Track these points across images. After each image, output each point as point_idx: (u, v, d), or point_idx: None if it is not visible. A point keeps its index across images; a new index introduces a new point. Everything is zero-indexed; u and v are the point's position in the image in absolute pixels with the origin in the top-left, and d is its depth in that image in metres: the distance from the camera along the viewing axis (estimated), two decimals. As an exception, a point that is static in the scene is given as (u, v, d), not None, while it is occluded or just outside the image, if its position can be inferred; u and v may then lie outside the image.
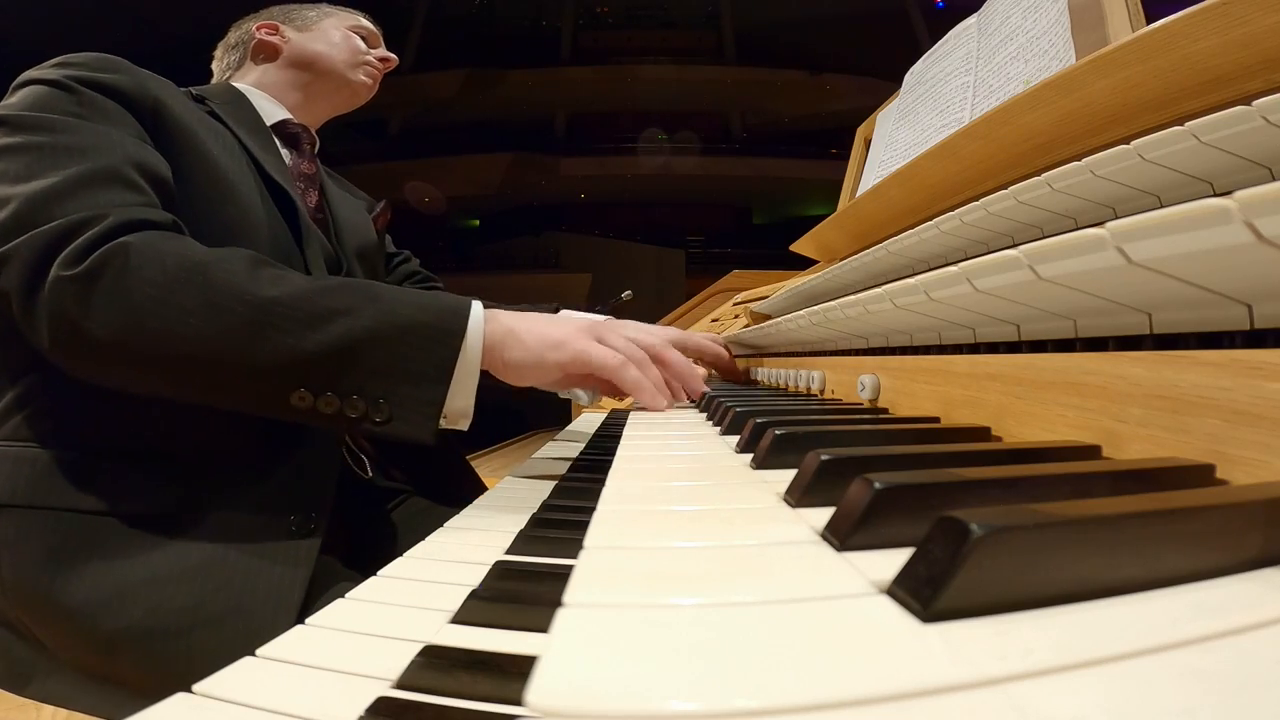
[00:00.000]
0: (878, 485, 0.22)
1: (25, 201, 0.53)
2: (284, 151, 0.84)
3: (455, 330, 0.53)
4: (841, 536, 0.23)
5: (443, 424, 0.54)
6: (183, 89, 0.75)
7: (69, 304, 0.51)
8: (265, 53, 0.89)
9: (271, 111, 0.85)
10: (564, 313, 0.89)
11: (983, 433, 0.41)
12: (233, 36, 0.92)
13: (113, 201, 0.55)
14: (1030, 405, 0.37)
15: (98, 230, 0.52)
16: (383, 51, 0.95)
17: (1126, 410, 0.30)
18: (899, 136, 1.10)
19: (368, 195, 1.04)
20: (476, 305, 0.56)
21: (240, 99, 0.82)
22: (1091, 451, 0.31)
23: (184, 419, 0.60)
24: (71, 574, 0.54)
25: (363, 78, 0.93)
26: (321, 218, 0.86)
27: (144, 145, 0.63)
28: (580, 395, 0.77)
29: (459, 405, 0.54)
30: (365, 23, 0.96)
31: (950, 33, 1.05)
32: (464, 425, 0.56)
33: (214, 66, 0.94)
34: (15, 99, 0.62)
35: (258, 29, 0.89)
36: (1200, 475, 0.25)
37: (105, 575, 0.54)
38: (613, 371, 0.59)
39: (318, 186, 0.88)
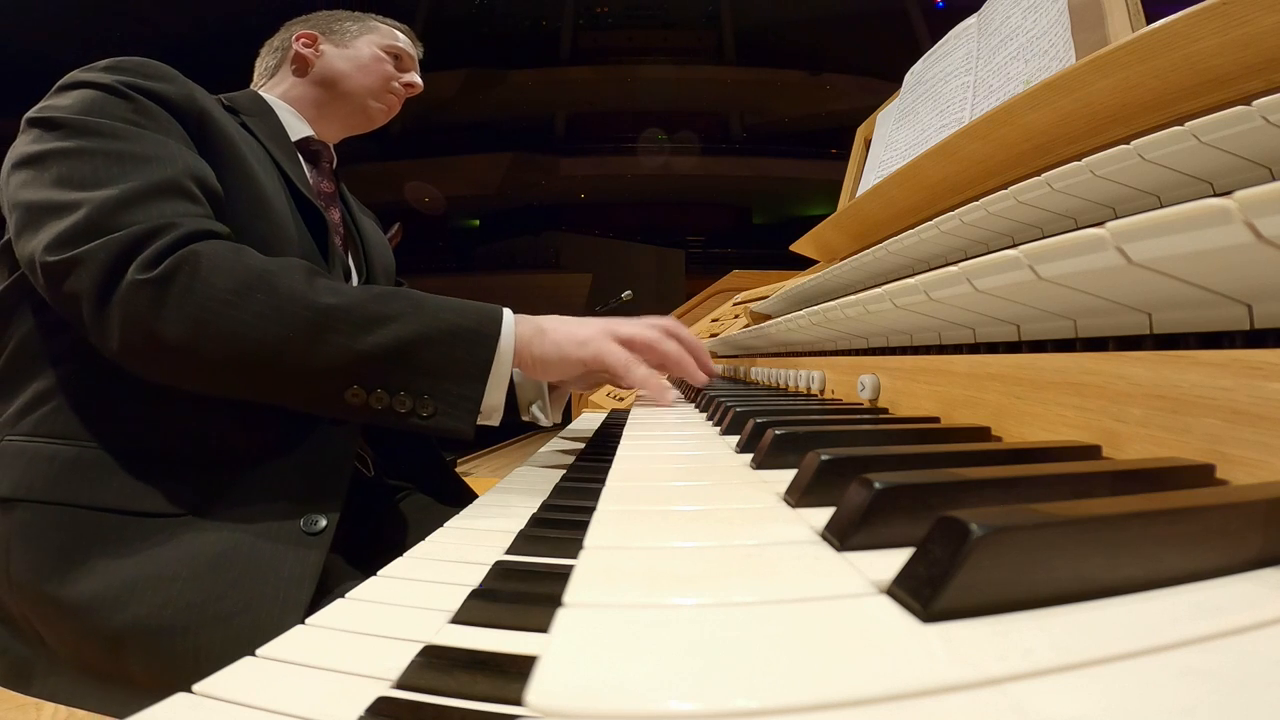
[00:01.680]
0: (878, 485, 0.22)
1: (96, 208, 0.56)
2: (306, 168, 0.85)
3: (492, 333, 0.59)
4: (841, 536, 0.23)
5: (479, 419, 0.58)
6: (215, 97, 0.76)
7: (143, 307, 0.54)
8: (298, 65, 0.90)
9: (296, 127, 0.87)
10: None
11: (983, 433, 0.41)
12: (278, 38, 0.93)
13: (178, 211, 0.59)
14: (1030, 405, 0.37)
15: (170, 238, 0.55)
16: (410, 77, 0.95)
17: (1126, 410, 0.30)
18: (899, 137, 1.10)
19: (372, 211, 1.06)
20: (507, 311, 0.62)
21: (269, 112, 0.83)
22: (1091, 451, 0.31)
23: (204, 420, 0.62)
24: (81, 570, 0.55)
25: (380, 105, 0.93)
26: (344, 232, 0.89)
27: (197, 157, 0.66)
28: (540, 418, 0.83)
29: (493, 401, 0.59)
30: (402, 43, 0.95)
31: (950, 33, 1.05)
32: (495, 420, 0.61)
33: (257, 64, 0.95)
34: (68, 101, 0.63)
35: (297, 39, 0.89)
36: (1200, 475, 0.25)
37: (114, 571, 0.55)
38: (624, 370, 0.65)
39: (339, 204, 0.91)
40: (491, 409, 0.59)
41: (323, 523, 0.60)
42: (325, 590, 0.57)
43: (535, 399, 0.82)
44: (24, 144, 0.62)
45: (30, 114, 0.64)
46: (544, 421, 0.83)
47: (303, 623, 0.46)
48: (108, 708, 0.56)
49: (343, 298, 0.57)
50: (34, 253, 0.56)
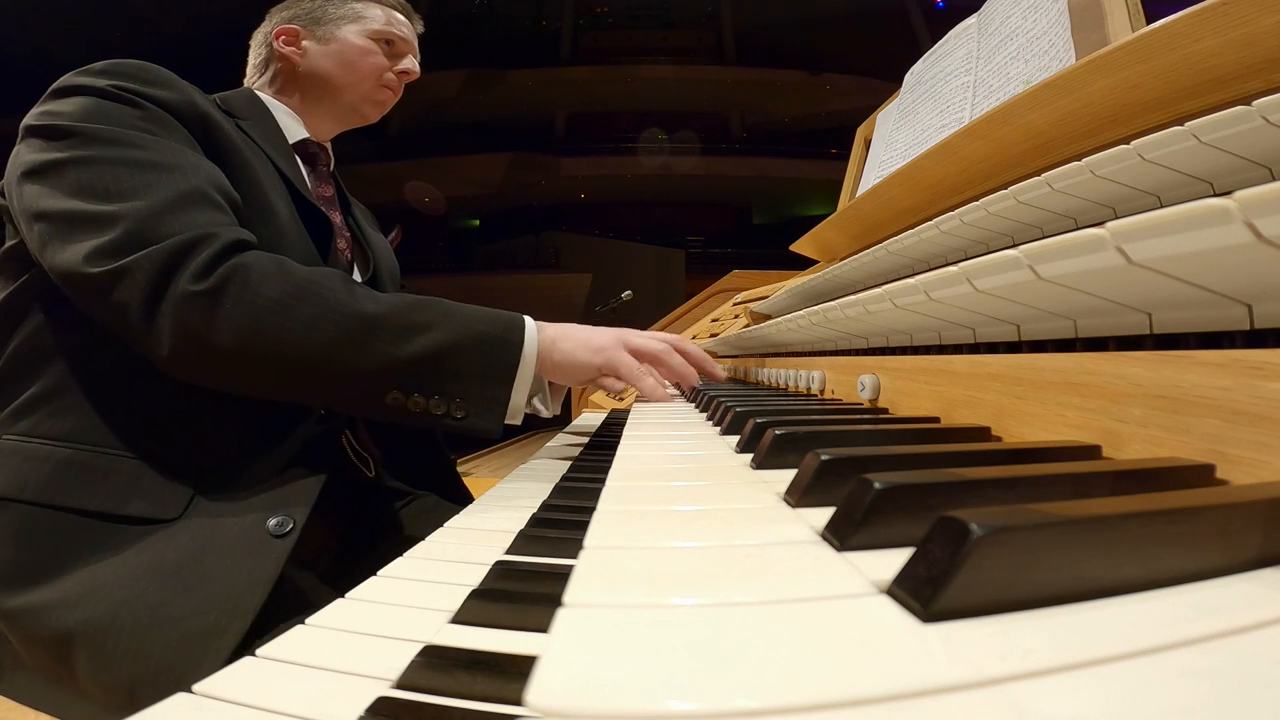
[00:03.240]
0: (878, 485, 0.22)
1: (135, 219, 0.57)
2: (304, 171, 0.83)
3: (517, 340, 0.63)
4: (842, 536, 0.23)
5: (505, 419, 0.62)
6: (210, 97, 0.75)
7: (196, 317, 0.56)
8: (283, 64, 0.85)
9: (293, 129, 0.84)
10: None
11: (983, 433, 0.41)
12: (262, 30, 0.88)
13: (211, 221, 0.60)
14: (1030, 405, 0.37)
15: (215, 248, 0.57)
16: (404, 64, 0.88)
17: (1126, 410, 0.30)
18: (899, 136, 1.10)
19: (370, 211, 1.04)
20: (529, 318, 0.65)
21: (265, 114, 0.80)
22: (1091, 451, 0.31)
23: (193, 423, 0.63)
24: (57, 572, 0.55)
25: (376, 100, 0.88)
26: (350, 236, 0.88)
27: (213, 165, 0.66)
28: (541, 410, 0.85)
29: (517, 402, 0.63)
30: (395, 26, 0.88)
31: (950, 33, 1.05)
32: (518, 419, 0.64)
33: (249, 56, 0.90)
34: (69, 107, 0.62)
35: (277, 36, 0.84)
36: (1200, 475, 0.25)
37: (89, 574, 0.55)
38: (634, 378, 0.70)
39: (338, 208, 0.88)
40: (515, 409, 0.63)
41: (290, 525, 0.60)
42: (290, 603, 0.57)
43: (536, 392, 0.84)
44: (29, 152, 0.61)
45: (29, 121, 0.63)
46: (545, 413, 0.84)
47: (249, 630, 0.46)
48: (63, 711, 0.56)
49: (382, 306, 0.59)
50: (70, 265, 0.57)
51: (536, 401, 0.83)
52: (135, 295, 0.56)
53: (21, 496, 0.58)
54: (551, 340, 0.66)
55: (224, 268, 0.57)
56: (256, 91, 0.84)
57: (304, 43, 0.85)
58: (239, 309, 0.56)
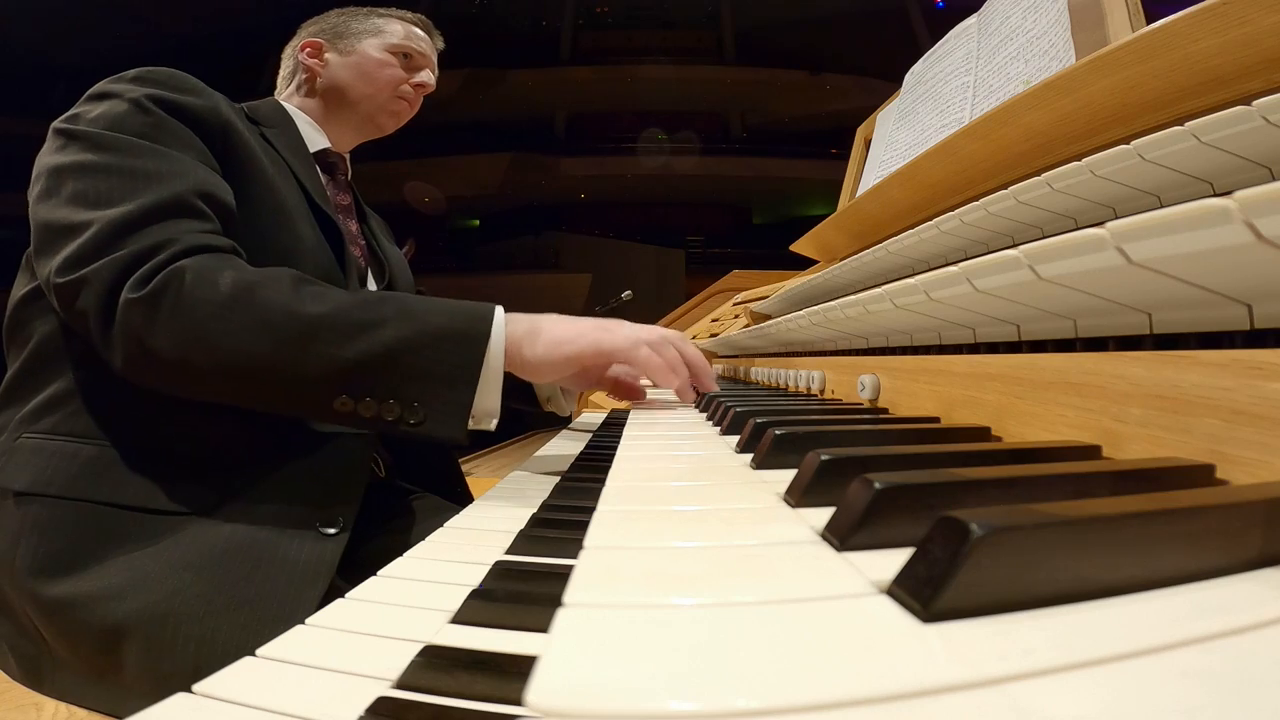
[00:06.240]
0: (878, 485, 0.22)
1: (102, 228, 0.57)
2: (323, 179, 0.86)
3: (480, 335, 0.56)
4: (842, 536, 0.23)
5: (471, 424, 0.57)
6: (237, 106, 0.77)
7: (137, 324, 0.55)
8: (306, 75, 0.90)
9: (314, 139, 0.87)
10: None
11: (983, 433, 0.41)
12: (289, 47, 0.93)
13: (179, 230, 0.59)
14: (1030, 405, 0.37)
15: (163, 256, 0.57)
16: (421, 77, 0.92)
17: (1126, 410, 0.30)
18: (899, 136, 1.10)
19: (370, 208, 1.06)
20: (499, 310, 0.58)
21: (289, 123, 0.84)
22: (1091, 451, 0.31)
23: (221, 422, 0.63)
24: (93, 564, 0.56)
25: (390, 112, 0.92)
26: (365, 244, 0.90)
27: (210, 171, 0.66)
28: (557, 409, 0.84)
29: (486, 405, 0.56)
30: (413, 40, 0.92)
31: (950, 33, 1.05)
32: (490, 425, 0.58)
33: (281, 68, 0.95)
34: (94, 113, 0.64)
35: (301, 48, 0.89)
36: (1200, 475, 0.25)
37: (126, 564, 0.56)
38: (626, 353, 0.63)
39: (354, 217, 0.91)
40: (485, 413, 0.57)
41: (340, 521, 0.61)
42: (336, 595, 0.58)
43: (551, 392, 0.83)
44: (47, 153, 0.63)
45: (57, 123, 0.65)
46: (563, 413, 0.85)
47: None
48: (109, 706, 0.56)
49: (327, 306, 0.56)
50: (46, 274, 0.58)
51: (553, 402, 0.84)
52: (93, 304, 0.56)
53: (47, 491, 0.58)
54: (524, 332, 0.59)
55: (164, 274, 0.55)
56: (282, 102, 0.88)
57: (326, 55, 0.89)
58: (175, 314, 0.55)
